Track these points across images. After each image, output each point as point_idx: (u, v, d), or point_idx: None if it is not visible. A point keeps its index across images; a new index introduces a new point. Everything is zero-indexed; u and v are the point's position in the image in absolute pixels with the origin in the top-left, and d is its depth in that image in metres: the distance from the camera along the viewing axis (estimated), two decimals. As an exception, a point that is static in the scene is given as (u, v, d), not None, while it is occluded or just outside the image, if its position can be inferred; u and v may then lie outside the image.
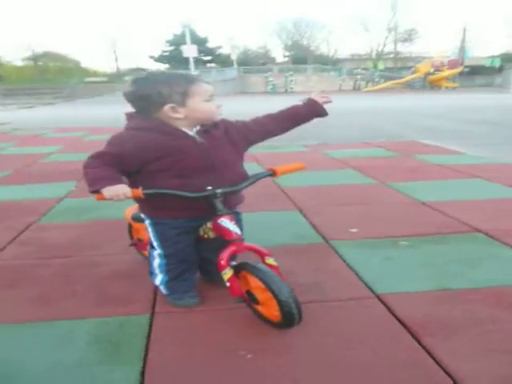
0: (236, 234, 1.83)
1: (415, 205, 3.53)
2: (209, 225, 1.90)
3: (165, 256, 1.96)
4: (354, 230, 2.94)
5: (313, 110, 2.02)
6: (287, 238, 2.84)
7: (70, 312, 1.97)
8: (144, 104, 1.80)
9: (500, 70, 26.46)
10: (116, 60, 59.51)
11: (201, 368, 1.57)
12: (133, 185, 1.81)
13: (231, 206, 1.92)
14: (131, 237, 2.55)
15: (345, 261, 2.44)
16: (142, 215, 2.00)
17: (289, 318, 1.68)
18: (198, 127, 1.86)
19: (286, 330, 1.75)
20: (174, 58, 53.36)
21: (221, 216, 1.83)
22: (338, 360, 1.59)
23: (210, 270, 2.10)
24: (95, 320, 1.90)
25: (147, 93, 1.77)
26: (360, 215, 3.26)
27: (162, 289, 2.04)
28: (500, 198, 3.67)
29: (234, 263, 1.82)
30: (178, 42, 53.04)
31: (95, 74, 58.55)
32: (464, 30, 41.23)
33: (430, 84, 35.82)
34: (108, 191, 1.69)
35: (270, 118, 2.02)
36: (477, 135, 8.17)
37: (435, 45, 44.31)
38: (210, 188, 1.81)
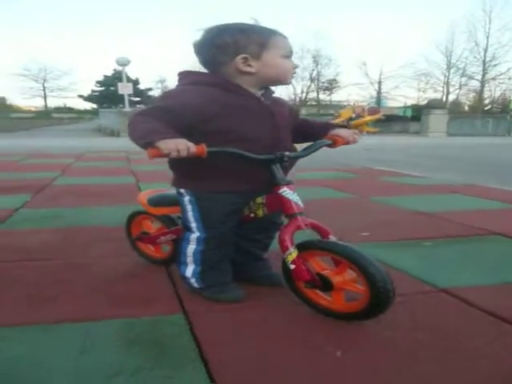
0: (299, 207, 1.54)
1: (411, 213, 3.36)
2: (259, 200, 1.61)
3: (205, 240, 1.62)
4: (365, 234, 2.70)
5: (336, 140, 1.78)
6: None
7: (75, 314, 1.55)
8: (215, 54, 1.53)
9: (412, 118, 28.43)
10: (45, 98, 58.59)
11: (285, 368, 1.22)
12: None
13: None
14: (129, 234, 2.15)
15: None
16: (182, 190, 1.63)
17: (383, 300, 1.38)
18: (263, 91, 1.60)
19: (363, 323, 1.45)
20: (105, 97, 52.34)
21: (282, 186, 1.54)
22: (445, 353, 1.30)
23: (245, 263, 1.78)
24: (114, 321, 1.50)
25: (222, 41, 1.51)
26: (361, 222, 3.02)
27: (194, 282, 1.69)
28: (490, 208, 3.60)
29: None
30: (108, 82, 52.19)
31: (19, 110, 58.42)
32: (379, 83, 44.34)
33: (352, 128, 37.47)
34: (166, 144, 1.32)
35: (311, 123, 1.84)
36: (423, 165, 8.32)
37: (353, 94, 46.88)
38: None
